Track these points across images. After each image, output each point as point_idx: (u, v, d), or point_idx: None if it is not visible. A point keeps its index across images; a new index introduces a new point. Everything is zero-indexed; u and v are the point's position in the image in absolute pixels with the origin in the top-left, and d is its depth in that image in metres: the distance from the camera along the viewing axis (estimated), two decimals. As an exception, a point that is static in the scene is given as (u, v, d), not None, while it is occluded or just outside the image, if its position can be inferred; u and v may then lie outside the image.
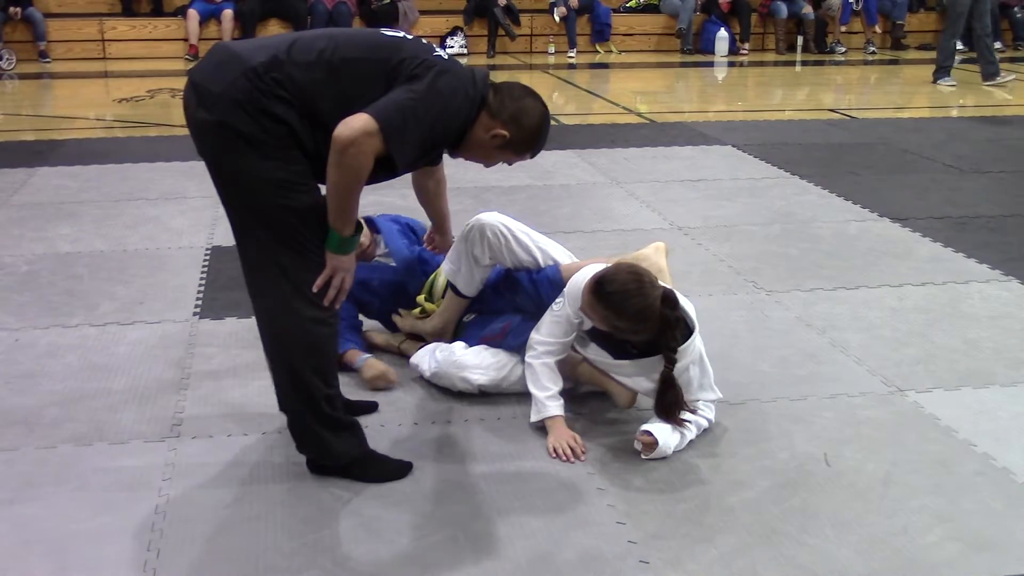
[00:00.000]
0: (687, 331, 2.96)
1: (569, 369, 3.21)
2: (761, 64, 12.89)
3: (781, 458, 2.96)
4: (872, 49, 13.79)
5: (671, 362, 2.86)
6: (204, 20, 12.27)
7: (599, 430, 3.12)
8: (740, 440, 3.07)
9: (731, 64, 12.89)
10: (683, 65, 12.72)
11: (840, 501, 2.75)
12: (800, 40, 13.71)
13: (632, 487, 2.80)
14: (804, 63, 13.10)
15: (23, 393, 3.34)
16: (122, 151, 7.05)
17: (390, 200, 4.95)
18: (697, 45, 13.50)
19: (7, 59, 11.34)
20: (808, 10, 13.51)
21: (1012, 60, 12.59)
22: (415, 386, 3.38)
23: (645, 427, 2.95)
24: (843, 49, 13.66)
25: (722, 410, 3.22)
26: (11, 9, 11.53)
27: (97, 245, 4.92)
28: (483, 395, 3.27)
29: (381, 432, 3.07)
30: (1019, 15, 14.20)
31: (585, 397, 3.30)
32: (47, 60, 11.95)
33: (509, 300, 3.39)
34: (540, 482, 2.82)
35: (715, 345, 3.73)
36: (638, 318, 2.81)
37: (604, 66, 12.80)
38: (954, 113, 9.13)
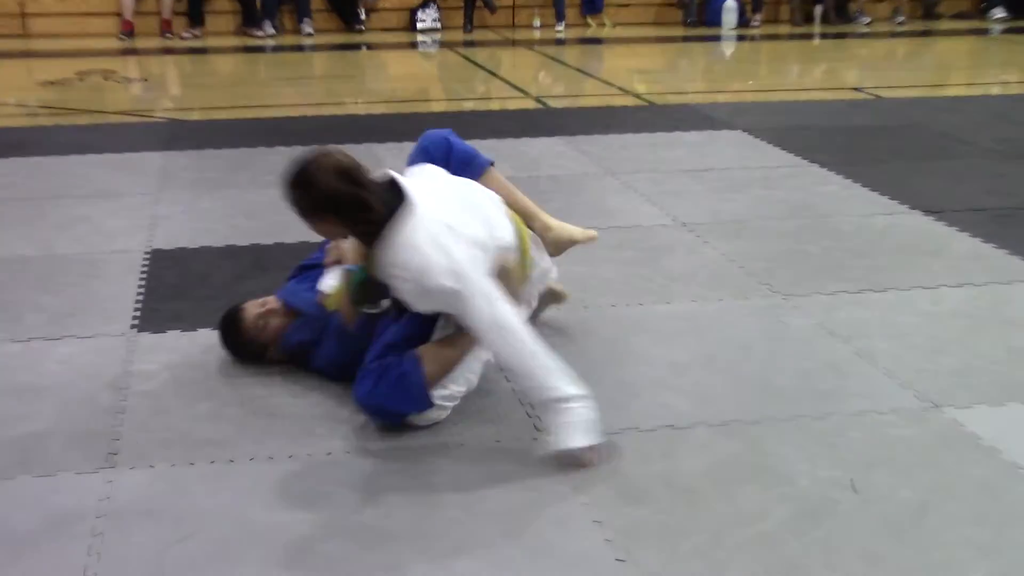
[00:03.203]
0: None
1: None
2: (775, 37, 12.94)
3: (802, 485, 2.97)
4: (901, 19, 13.87)
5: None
6: (140, -8, 12.26)
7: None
8: (755, 465, 3.07)
9: (740, 38, 12.93)
10: (686, 39, 12.76)
11: (869, 533, 2.75)
12: (818, 10, 13.77)
13: (632, 519, 2.80)
14: (823, 36, 13.16)
15: (-65, 419, 3.33)
16: (47, 142, 7.02)
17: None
18: (702, 17, 13.55)
19: (-86, 37, 11.30)
20: (827, -24, 13.60)
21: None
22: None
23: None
24: (867, 19, 13.73)
25: (734, 431, 3.23)
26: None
27: (21, 250, 4.90)
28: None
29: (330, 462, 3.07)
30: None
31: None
32: (-40, 38, 11.90)
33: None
34: (526, 515, 2.82)
35: (725, 357, 3.75)
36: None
37: (597, 41, 12.82)
38: (995, 91, 9.18)
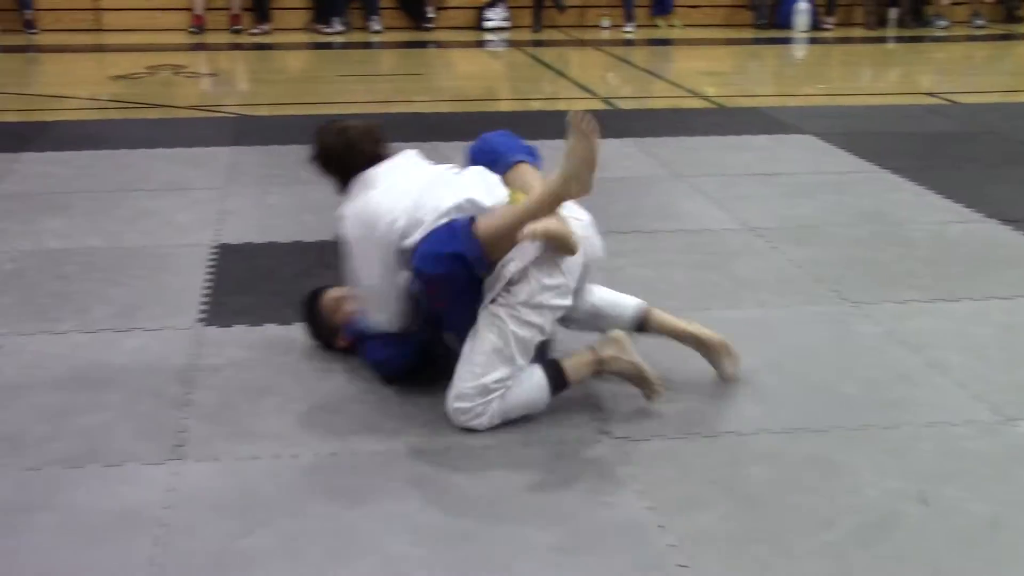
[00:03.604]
0: None
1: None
2: (847, 40, 12.82)
3: (869, 495, 2.94)
4: (980, 22, 13.67)
5: None
6: (211, -12, 12.42)
7: (653, 455, 3.12)
8: (821, 473, 3.05)
9: (812, 40, 12.83)
10: (757, 41, 12.68)
11: (939, 546, 2.72)
12: (893, 13, 13.61)
13: (696, 525, 2.80)
14: (898, 39, 13.02)
15: (5, 407, 3.39)
16: (119, 135, 7.14)
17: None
18: (773, 18, 13.46)
19: (-11, 30, 11.52)
20: (903, -22, 13.46)
21: None
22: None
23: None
24: (944, 23, 13.55)
25: (800, 439, 3.21)
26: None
27: (90, 241, 4.99)
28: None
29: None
30: None
31: (630, 416, 3.29)
32: (34, 31, 12.14)
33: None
34: (591, 520, 2.82)
35: (793, 364, 3.73)
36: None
37: (666, 42, 12.79)
38: (1074, 98, 9.03)
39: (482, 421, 3.23)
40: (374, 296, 3.40)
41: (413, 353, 3.48)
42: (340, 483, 2.97)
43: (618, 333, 3.37)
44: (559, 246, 3.19)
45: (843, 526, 2.80)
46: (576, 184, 3.20)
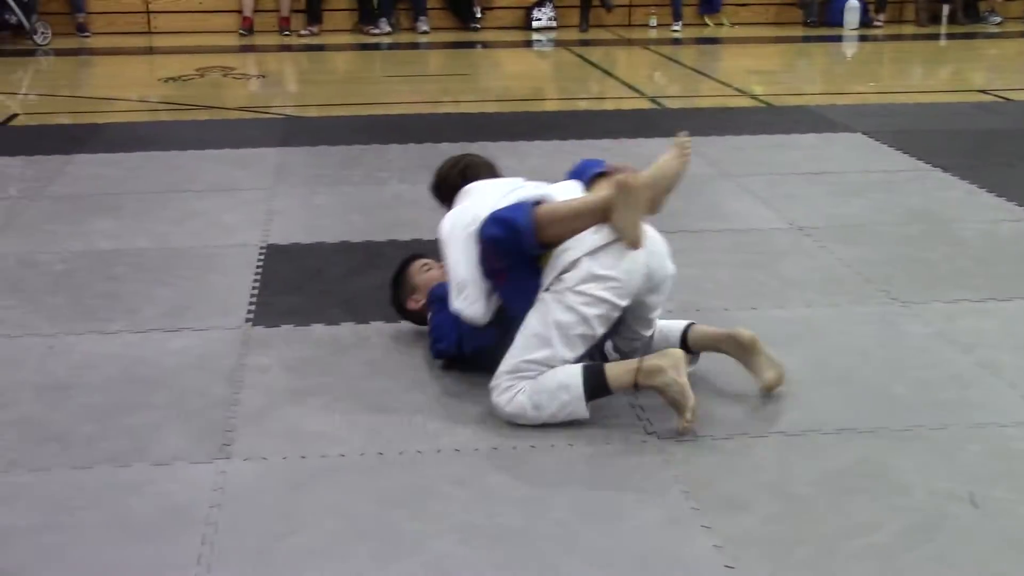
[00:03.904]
0: None
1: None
2: (898, 38, 12.71)
3: (917, 496, 2.92)
4: (1033, 19, 13.50)
5: None
6: (260, -10, 12.51)
7: (699, 455, 3.12)
8: (868, 475, 3.03)
9: (863, 38, 12.73)
10: (806, 40, 12.59)
11: (988, 550, 2.70)
12: (946, 9, 13.47)
13: (741, 526, 2.79)
14: (950, 36, 12.88)
15: (56, 407, 3.44)
16: (168, 137, 7.21)
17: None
18: (823, 16, 13.36)
19: (42, 33, 11.68)
20: (955, -26, 13.31)
21: None
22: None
23: None
24: (998, 19, 13.40)
25: (847, 439, 3.19)
26: (47, -22, 11.88)
27: (139, 242, 5.04)
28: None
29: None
30: None
31: (677, 417, 3.29)
32: (86, 35, 12.29)
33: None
34: (637, 520, 2.82)
35: (840, 364, 3.71)
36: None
37: (714, 41, 12.73)
38: None
39: (505, 398, 3.27)
40: (465, 288, 3.42)
41: (470, 345, 3.55)
42: (386, 483, 2.99)
43: (675, 351, 3.32)
44: (624, 226, 3.24)
45: (890, 528, 2.78)
46: (647, 191, 3.28)
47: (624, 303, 3.30)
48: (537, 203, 3.34)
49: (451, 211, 3.63)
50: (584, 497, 2.92)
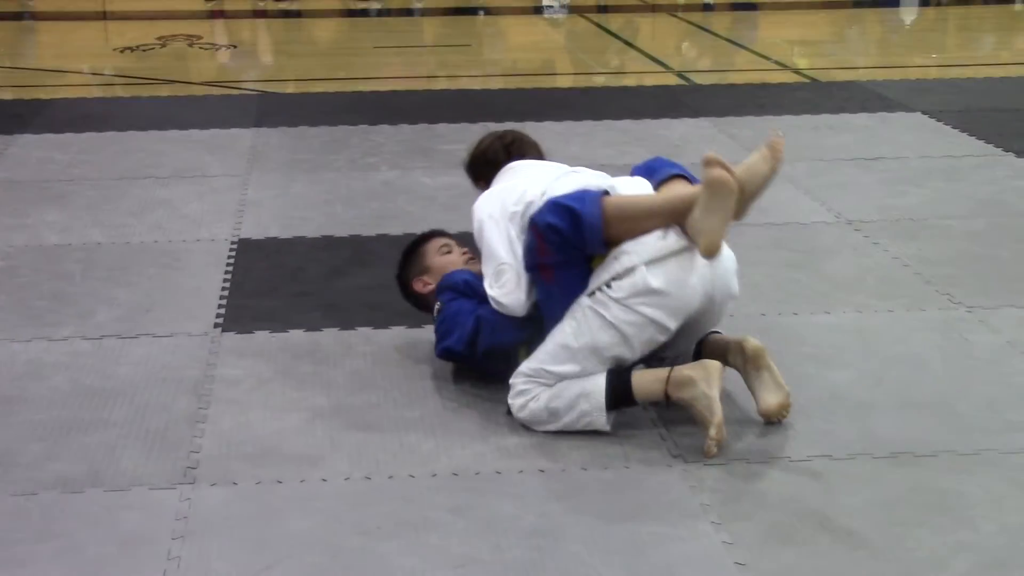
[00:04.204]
0: None
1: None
2: (966, 2, 12.70)
3: (986, 531, 2.93)
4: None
5: None
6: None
7: (731, 481, 3.12)
8: (930, 506, 3.04)
9: (924, 3, 12.72)
10: (858, 5, 12.59)
11: (1065, 590, 2.71)
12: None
13: (781, 563, 2.79)
14: (1024, 2, 12.88)
15: (-2, 423, 3.45)
16: (125, 115, 7.22)
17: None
18: (878, -22, 13.37)
19: (-21, -4, 11.68)
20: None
21: None
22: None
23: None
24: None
25: (907, 464, 3.19)
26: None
27: (92, 236, 5.05)
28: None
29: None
30: None
31: (696, 434, 3.29)
32: (31, -2, 12.28)
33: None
34: (660, 556, 2.82)
35: (897, 376, 3.71)
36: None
37: (751, 7, 12.73)
38: None
39: (519, 402, 3.33)
40: (504, 274, 3.44)
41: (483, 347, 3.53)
42: (374, 511, 2.99)
43: (711, 362, 3.31)
44: (708, 228, 3.21)
45: (955, 567, 2.78)
46: (734, 191, 3.27)
47: (675, 325, 3.30)
48: (605, 193, 3.33)
49: (490, 189, 3.65)
50: (600, 529, 2.92)
